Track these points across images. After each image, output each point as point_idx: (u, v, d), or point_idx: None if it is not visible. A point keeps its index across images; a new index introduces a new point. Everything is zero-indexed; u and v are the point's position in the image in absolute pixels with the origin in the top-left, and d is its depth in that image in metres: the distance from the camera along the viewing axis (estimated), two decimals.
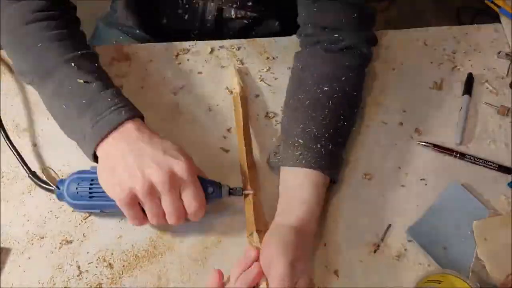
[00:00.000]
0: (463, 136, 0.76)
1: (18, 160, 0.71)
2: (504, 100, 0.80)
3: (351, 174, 0.73)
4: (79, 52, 0.68)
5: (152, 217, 0.63)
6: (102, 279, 0.65)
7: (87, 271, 0.66)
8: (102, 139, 0.63)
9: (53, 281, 0.65)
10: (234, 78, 0.80)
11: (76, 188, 0.65)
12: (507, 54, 0.83)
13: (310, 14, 0.77)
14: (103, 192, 0.63)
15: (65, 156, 0.74)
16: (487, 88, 0.81)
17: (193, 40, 0.86)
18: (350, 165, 0.74)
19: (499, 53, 0.84)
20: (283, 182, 0.70)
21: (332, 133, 0.70)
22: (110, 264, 0.66)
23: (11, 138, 0.72)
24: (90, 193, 0.65)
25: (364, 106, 0.79)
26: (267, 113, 0.79)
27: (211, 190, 0.65)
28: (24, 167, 0.70)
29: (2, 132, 0.72)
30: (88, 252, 0.67)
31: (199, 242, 0.68)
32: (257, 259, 0.63)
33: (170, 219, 0.63)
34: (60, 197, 0.68)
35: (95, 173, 0.64)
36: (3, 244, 0.68)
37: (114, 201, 0.62)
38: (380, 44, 0.85)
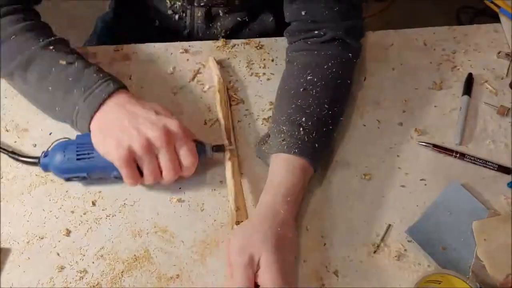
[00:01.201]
0: (462, 136, 0.76)
1: None
2: (503, 100, 0.80)
3: (350, 174, 0.73)
4: (52, 38, 0.72)
5: (149, 174, 0.66)
6: (102, 280, 0.65)
7: (87, 271, 0.66)
8: (96, 110, 0.66)
9: (53, 281, 0.65)
10: (212, 70, 0.81)
11: (63, 152, 0.67)
12: (506, 54, 0.84)
13: (293, 12, 0.78)
14: (90, 153, 0.67)
15: None
16: (486, 88, 0.81)
17: (186, 40, 0.86)
18: (350, 166, 0.74)
19: (499, 53, 0.84)
20: (270, 169, 0.70)
21: (315, 120, 0.70)
22: (110, 264, 0.66)
23: (10, 136, 0.73)
24: (77, 155, 0.67)
25: (363, 106, 0.79)
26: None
27: (198, 147, 0.69)
28: (1, 148, 0.73)
29: None
30: (88, 252, 0.67)
31: (199, 242, 0.68)
32: None
33: (168, 175, 0.66)
34: (44, 166, 0.70)
35: (81, 139, 0.68)
36: (2, 244, 0.68)
37: (101, 162, 0.66)
38: (380, 44, 0.85)
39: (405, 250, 0.68)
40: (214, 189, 0.72)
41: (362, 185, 0.73)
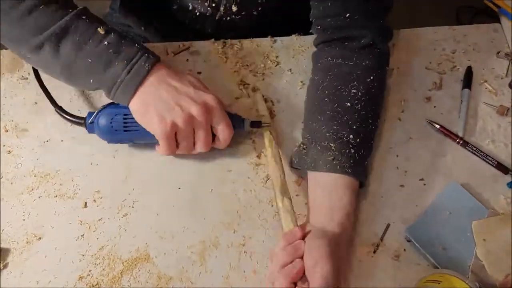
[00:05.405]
0: (465, 128, 0.76)
1: (45, 95, 0.75)
2: (503, 100, 0.80)
3: None
4: (80, 7, 0.69)
5: (185, 147, 0.69)
6: (102, 279, 0.65)
7: (86, 271, 0.66)
8: (140, 83, 0.67)
9: (52, 281, 0.65)
10: (260, 105, 0.78)
11: (111, 122, 0.70)
12: (506, 54, 0.83)
13: (324, 7, 0.75)
14: (137, 125, 0.69)
15: (62, 156, 0.74)
16: (486, 88, 0.81)
17: (193, 39, 0.86)
18: None
19: (498, 53, 0.84)
20: (317, 185, 0.68)
21: (363, 137, 0.70)
22: (109, 264, 0.67)
23: (10, 136, 0.73)
24: (124, 126, 0.70)
25: None
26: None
27: (235, 121, 0.71)
28: (51, 102, 0.74)
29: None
30: (87, 252, 0.67)
31: (198, 242, 0.68)
32: (302, 237, 0.63)
33: (200, 148, 0.69)
34: (91, 129, 0.72)
35: (126, 108, 0.69)
36: (2, 245, 0.68)
37: (146, 133, 0.68)
38: None
39: (404, 250, 0.68)
40: (212, 189, 0.72)
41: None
